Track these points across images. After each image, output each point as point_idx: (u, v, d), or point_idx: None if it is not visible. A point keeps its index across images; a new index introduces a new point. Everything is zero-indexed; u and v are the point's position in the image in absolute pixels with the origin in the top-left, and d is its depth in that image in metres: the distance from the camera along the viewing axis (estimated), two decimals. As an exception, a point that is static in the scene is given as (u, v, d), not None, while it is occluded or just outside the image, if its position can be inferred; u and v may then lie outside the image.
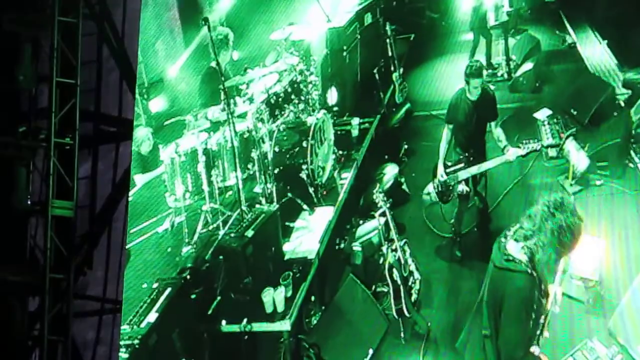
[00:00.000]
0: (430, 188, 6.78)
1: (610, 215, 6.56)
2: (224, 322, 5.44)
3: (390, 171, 7.55)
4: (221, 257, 5.61)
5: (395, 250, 5.83)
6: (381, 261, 6.01)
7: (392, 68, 8.87)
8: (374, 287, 6.20)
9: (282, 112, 6.76)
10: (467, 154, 6.21)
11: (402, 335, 5.91)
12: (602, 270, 5.63)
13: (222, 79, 6.07)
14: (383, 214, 5.86)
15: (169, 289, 5.21)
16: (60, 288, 4.25)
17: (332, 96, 8.04)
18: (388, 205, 5.87)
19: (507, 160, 6.00)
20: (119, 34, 4.71)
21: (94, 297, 4.53)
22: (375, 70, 8.50)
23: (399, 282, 5.81)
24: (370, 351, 5.81)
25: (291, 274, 5.68)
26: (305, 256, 6.02)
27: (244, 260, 5.51)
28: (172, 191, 6.13)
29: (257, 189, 6.47)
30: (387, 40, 8.81)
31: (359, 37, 8.40)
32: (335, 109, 8.01)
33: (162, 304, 5.05)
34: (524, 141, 5.97)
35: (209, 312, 5.48)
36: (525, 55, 9.59)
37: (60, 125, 4.31)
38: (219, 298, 5.54)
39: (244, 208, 5.99)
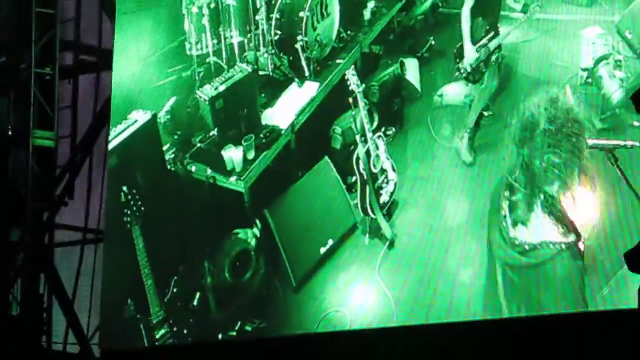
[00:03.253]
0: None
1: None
2: (193, 167, 5.68)
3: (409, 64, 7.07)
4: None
5: (365, 140, 5.61)
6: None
7: None
8: (350, 178, 5.95)
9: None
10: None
11: (366, 236, 5.77)
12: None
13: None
14: (355, 99, 5.58)
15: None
16: (42, 218, 4.44)
17: None
18: (360, 90, 5.60)
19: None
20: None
21: (76, 227, 4.71)
22: None
23: (365, 176, 5.63)
24: (330, 241, 5.70)
25: (253, 136, 5.73)
26: (277, 125, 6.00)
27: (212, 112, 5.63)
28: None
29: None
30: None
31: None
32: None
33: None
34: None
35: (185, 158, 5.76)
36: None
37: (41, 56, 4.29)
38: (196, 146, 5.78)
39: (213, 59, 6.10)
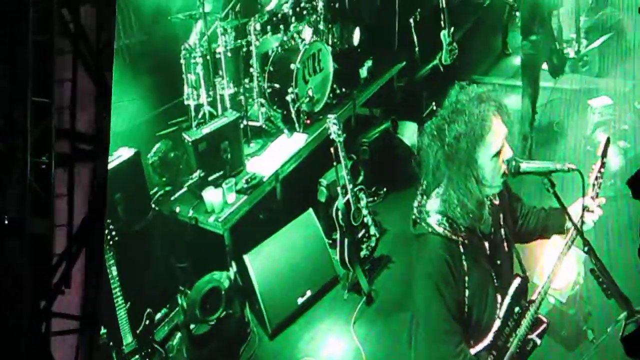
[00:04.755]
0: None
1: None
2: (178, 208, 5.81)
3: (407, 127, 7.32)
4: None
5: (346, 192, 5.61)
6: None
7: (442, 24, 8.26)
8: (335, 233, 5.90)
9: (286, 31, 6.87)
10: None
11: (346, 290, 5.85)
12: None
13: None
14: (336, 149, 5.55)
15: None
16: (39, 306, 4.43)
17: (356, 37, 7.89)
18: (341, 139, 5.54)
19: None
20: (93, 50, 4.66)
21: (72, 315, 4.70)
22: (411, 20, 8.11)
23: (344, 228, 5.63)
24: (309, 292, 5.75)
25: (234, 180, 5.86)
26: (261, 174, 6.09)
27: (195, 154, 5.73)
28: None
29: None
30: None
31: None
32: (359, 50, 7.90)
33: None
34: None
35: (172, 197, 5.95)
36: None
37: (36, 144, 4.31)
38: (182, 188, 6.00)
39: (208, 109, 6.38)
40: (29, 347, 4.38)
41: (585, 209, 2.80)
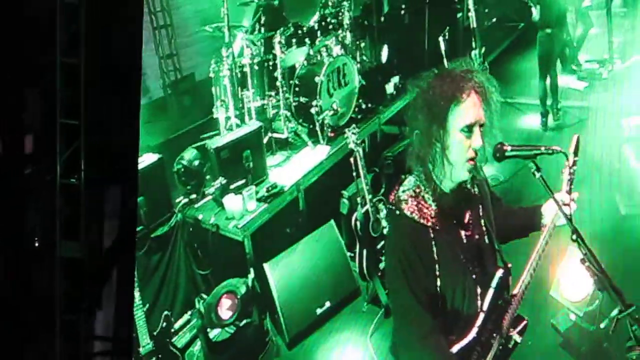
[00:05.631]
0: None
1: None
2: (201, 215, 5.86)
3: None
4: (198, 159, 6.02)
5: (364, 203, 5.60)
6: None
7: (473, 44, 8.20)
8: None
9: (312, 45, 7.00)
10: None
11: (365, 302, 5.83)
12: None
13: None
14: (355, 158, 5.52)
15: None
16: (71, 328, 4.51)
17: (384, 54, 8.04)
18: (360, 149, 5.53)
19: None
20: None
21: (104, 337, 4.76)
22: (440, 38, 7.99)
23: (363, 239, 5.61)
24: (328, 303, 5.75)
25: (254, 187, 5.93)
26: (283, 184, 6.15)
27: (218, 162, 5.83)
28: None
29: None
30: (469, 14, 8.16)
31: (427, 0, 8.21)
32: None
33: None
34: None
35: (196, 204, 6.02)
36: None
37: (66, 166, 4.41)
38: (205, 195, 6.06)
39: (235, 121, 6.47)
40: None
41: (561, 202, 2.78)
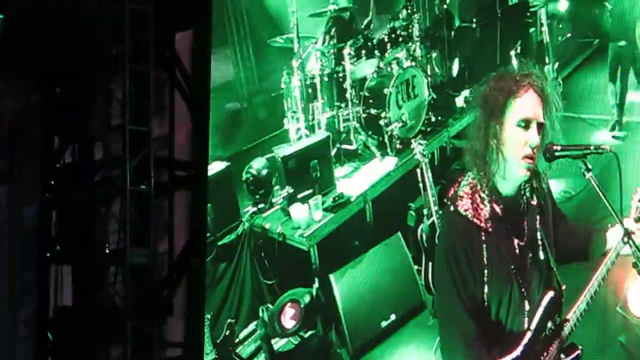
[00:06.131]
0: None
1: None
2: (268, 225, 5.92)
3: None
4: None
5: (431, 215, 5.52)
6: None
7: (547, 59, 8.01)
8: (422, 262, 5.88)
9: (382, 57, 6.99)
10: None
11: (430, 316, 5.68)
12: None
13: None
14: (421, 170, 5.48)
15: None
16: (142, 335, 4.38)
17: (455, 68, 7.95)
18: (426, 160, 5.50)
19: None
20: (189, 79, 4.81)
21: (175, 343, 4.84)
22: (512, 52, 7.84)
23: (429, 252, 5.54)
24: (393, 316, 5.70)
25: (320, 197, 5.94)
26: (350, 195, 6.15)
27: (285, 170, 5.89)
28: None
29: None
30: (542, 29, 8.01)
31: (499, 13, 8.01)
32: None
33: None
34: None
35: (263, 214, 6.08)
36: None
37: (136, 173, 4.40)
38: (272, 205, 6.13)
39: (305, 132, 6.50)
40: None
41: (627, 232, 2.66)
